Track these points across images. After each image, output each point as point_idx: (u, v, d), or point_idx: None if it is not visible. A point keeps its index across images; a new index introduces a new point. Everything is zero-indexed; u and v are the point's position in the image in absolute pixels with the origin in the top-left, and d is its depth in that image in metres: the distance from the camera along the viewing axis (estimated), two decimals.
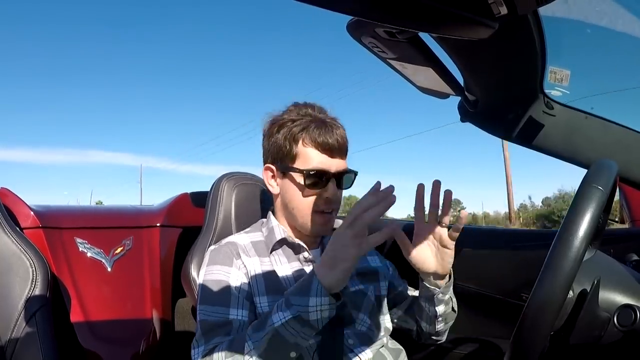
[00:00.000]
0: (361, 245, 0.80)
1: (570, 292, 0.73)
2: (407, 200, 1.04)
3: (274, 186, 1.11)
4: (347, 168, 1.07)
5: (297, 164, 1.04)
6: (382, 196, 0.79)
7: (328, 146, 1.03)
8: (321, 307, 0.82)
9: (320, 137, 1.02)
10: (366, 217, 0.78)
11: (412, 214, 1.00)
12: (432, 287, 1.03)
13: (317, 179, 1.02)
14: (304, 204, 1.04)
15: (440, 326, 1.10)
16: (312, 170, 1.02)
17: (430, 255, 0.98)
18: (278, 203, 1.12)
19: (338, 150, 1.04)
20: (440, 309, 1.05)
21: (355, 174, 1.09)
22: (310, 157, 1.03)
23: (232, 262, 1.02)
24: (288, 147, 1.04)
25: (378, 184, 0.82)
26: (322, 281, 0.82)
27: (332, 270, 0.82)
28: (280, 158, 1.06)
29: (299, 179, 1.03)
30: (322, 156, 1.03)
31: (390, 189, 0.79)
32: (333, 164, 1.04)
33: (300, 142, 1.03)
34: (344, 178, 1.06)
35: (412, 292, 1.21)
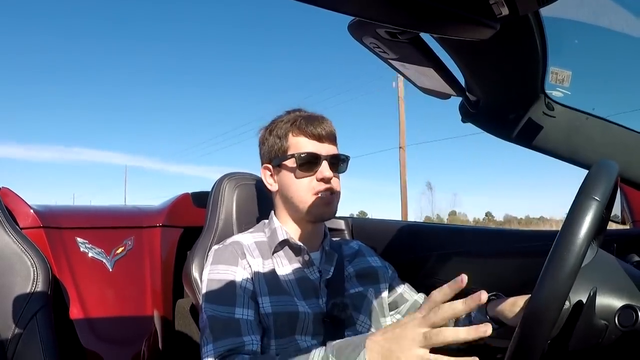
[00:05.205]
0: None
1: (567, 302, 0.73)
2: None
3: (272, 184, 1.13)
4: (338, 153, 1.10)
5: (289, 153, 1.07)
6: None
7: (317, 133, 1.07)
8: None
9: (309, 126, 1.07)
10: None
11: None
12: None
13: (309, 161, 1.06)
14: (302, 188, 1.06)
15: None
16: (303, 153, 1.06)
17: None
18: (278, 200, 1.13)
19: (326, 137, 1.08)
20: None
21: (348, 158, 1.12)
22: (301, 144, 1.07)
23: (238, 262, 1.03)
24: (279, 142, 1.09)
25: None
26: None
27: None
28: (274, 155, 1.11)
29: (292, 164, 1.07)
30: (311, 142, 1.07)
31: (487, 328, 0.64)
32: (323, 149, 1.08)
33: (290, 134, 1.08)
34: (338, 163, 1.09)
35: (415, 296, 1.21)
